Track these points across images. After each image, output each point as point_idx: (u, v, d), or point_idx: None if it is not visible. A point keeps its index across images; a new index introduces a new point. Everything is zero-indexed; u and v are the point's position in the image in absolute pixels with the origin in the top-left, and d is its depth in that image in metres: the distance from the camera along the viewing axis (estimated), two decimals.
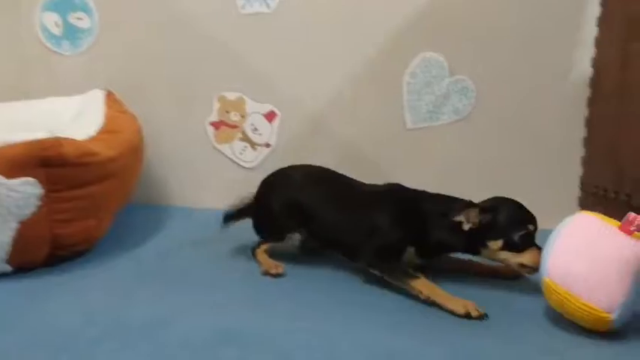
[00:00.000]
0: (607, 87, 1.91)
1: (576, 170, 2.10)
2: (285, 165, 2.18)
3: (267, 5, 2.12)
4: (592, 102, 2.01)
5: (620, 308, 1.09)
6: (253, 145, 2.21)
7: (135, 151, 1.75)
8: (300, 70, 2.15)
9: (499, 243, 1.35)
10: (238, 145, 2.21)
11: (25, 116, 1.97)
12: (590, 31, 2.04)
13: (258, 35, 2.14)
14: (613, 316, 1.10)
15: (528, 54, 2.09)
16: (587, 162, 2.03)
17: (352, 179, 1.69)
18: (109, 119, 1.77)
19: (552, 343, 1.14)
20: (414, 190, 1.56)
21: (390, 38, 2.11)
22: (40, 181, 1.35)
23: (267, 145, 2.21)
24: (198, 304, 1.27)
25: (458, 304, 1.24)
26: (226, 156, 2.22)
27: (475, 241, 1.38)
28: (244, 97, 2.18)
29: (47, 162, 1.36)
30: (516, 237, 1.34)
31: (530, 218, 1.39)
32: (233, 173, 2.22)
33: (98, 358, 1.01)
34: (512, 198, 1.46)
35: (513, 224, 1.36)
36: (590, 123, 2.03)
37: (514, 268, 1.38)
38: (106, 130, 1.68)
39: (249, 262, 1.60)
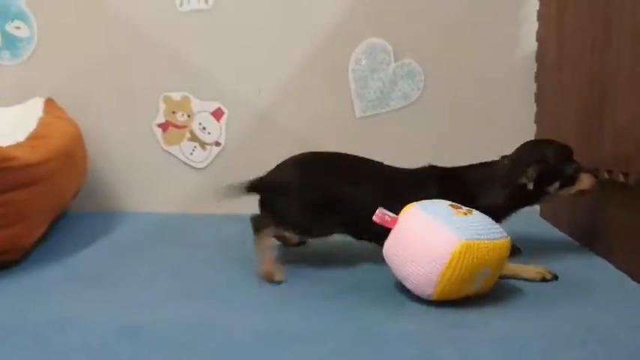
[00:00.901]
0: (548, 60, 1.87)
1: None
2: (237, 163, 2.16)
3: (206, 1, 2.08)
4: (538, 77, 1.97)
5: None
6: (203, 144, 2.17)
7: (67, 156, 1.70)
8: (244, 65, 2.11)
9: (557, 185, 1.42)
10: (188, 145, 2.17)
11: None
12: (534, 5, 2.01)
13: (199, 32, 2.11)
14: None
15: (474, 33, 2.05)
16: (539, 137, 1.98)
17: (379, 163, 1.56)
18: (42, 125, 1.73)
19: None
20: (449, 167, 1.53)
21: (332, 26, 2.07)
22: None
23: (217, 144, 2.16)
24: (110, 302, 1.22)
25: (531, 272, 1.31)
26: (176, 157, 2.18)
27: (533, 193, 1.40)
28: (189, 96, 2.14)
29: None
30: (570, 172, 1.41)
31: (569, 148, 1.44)
32: (184, 175, 2.18)
33: None
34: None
35: (562, 162, 1.42)
36: (539, 99, 1.98)
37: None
38: (35, 136, 1.64)
39: (187, 260, 1.56)
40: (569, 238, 1.70)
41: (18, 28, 2.12)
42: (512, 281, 1.30)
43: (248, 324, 1.10)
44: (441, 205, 1.22)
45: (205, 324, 1.10)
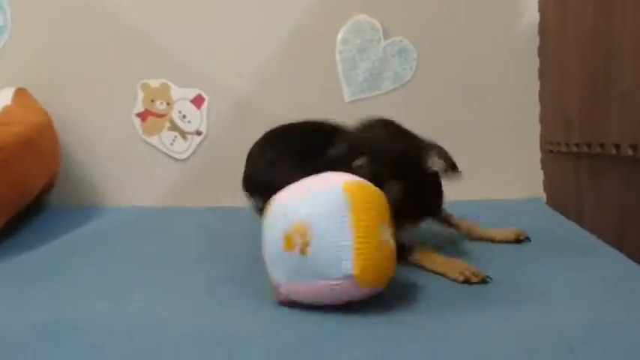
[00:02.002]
0: (550, 30, 1.69)
1: (535, 129, 1.87)
2: (219, 153, 2.02)
3: None
4: (542, 51, 1.79)
5: None
6: (183, 134, 2.05)
7: (28, 145, 1.59)
8: (223, 48, 1.99)
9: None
10: (168, 135, 2.05)
11: None
12: None
13: (175, 16, 1.99)
14: None
15: (471, 5, 1.89)
16: (543, 118, 1.80)
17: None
18: (4, 113, 1.64)
19: None
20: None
21: (316, 4, 1.93)
22: None
23: (198, 133, 2.04)
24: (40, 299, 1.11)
25: (455, 271, 1.08)
26: (156, 148, 2.06)
27: None
28: (168, 82, 2.03)
29: None
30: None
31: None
32: (165, 166, 2.06)
33: None
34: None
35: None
36: (542, 74, 1.80)
37: None
38: None
39: (151, 254, 1.44)
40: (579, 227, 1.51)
41: None
42: None
43: (182, 323, 0.96)
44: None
45: (135, 321, 0.97)
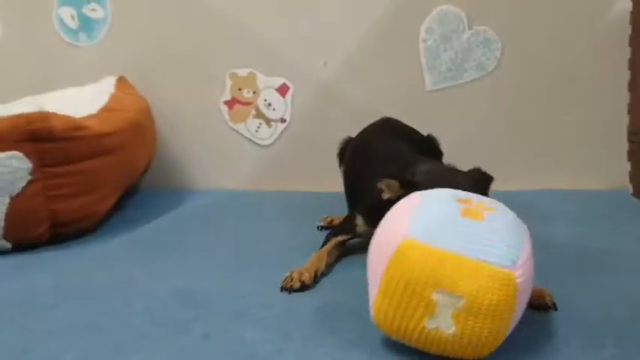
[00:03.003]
0: None
1: (623, 120, 1.85)
2: (302, 140, 2.11)
3: None
4: (634, 40, 1.77)
5: None
6: (268, 121, 2.14)
7: (137, 128, 1.73)
8: (309, 38, 2.06)
9: None
10: (253, 122, 2.15)
11: (47, 107, 2.02)
12: None
13: (264, 7, 2.07)
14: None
15: None
16: (633, 109, 1.79)
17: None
18: (113, 100, 1.77)
19: None
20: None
21: None
22: (28, 155, 1.36)
23: (283, 121, 2.13)
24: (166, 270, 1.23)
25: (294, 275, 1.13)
26: (242, 135, 2.17)
27: None
28: (255, 72, 2.12)
29: (34, 136, 1.36)
30: None
31: None
32: (250, 152, 2.16)
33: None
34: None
35: None
36: (634, 64, 1.78)
37: None
38: (107, 109, 1.68)
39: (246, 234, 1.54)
40: None
41: (94, 10, 2.19)
42: None
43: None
44: (446, 197, 0.87)
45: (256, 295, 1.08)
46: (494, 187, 1.89)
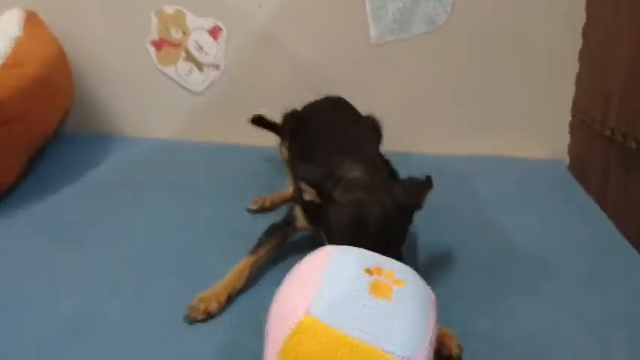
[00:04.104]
0: None
1: (569, 89, 1.78)
2: (237, 87, 1.95)
3: None
4: (591, 5, 1.63)
5: None
6: (200, 66, 1.96)
7: (43, 86, 1.54)
8: None
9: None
10: (184, 66, 1.97)
11: None
12: None
13: None
14: None
15: None
16: (580, 81, 1.70)
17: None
18: (17, 47, 1.55)
19: None
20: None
21: None
22: None
23: (216, 66, 1.96)
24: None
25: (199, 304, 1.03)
26: (172, 79, 1.99)
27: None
28: (184, 10, 1.90)
29: None
30: None
31: None
32: (181, 99, 2.00)
33: None
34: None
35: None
36: (586, 32, 1.67)
37: None
38: (5, 65, 1.48)
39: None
40: None
41: None
42: None
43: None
44: (356, 265, 0.78)
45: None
46: (430, 149, 1.88)
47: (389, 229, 0.96)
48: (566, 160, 1.81)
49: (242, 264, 1.10)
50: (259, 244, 1.15)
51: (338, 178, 1.04)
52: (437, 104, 1.89)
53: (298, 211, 1.17)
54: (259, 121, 1.67)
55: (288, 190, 1.51)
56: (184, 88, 1.99)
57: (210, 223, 1.38)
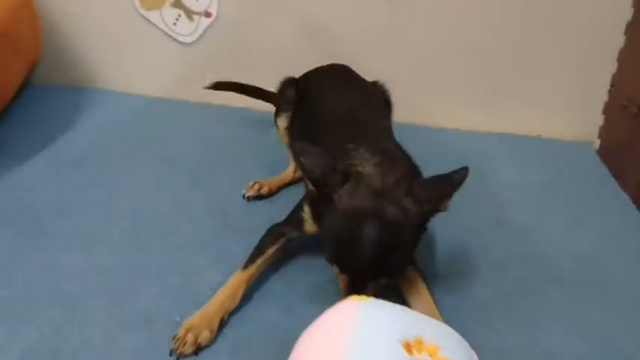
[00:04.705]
0: None
1: (609, 66, 1.57)
2: (231, 38, 1.70)
3: None
4: None
5: None
6: (189, 13, 1.70)
7: (5, 38, 1.30)
8: None
9: None
10: (170, 12, 1.70)
11: None
12: None
13: None
14: None
15: None
16: (624, 55, 1.50)
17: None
18: None
19: None
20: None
21: None
22: None
23: (207, 15, 1.70)
24: None
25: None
26: (156, 26, 1.73)
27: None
28: None
29: None
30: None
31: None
32: (167, 50, 1.76)
33: None
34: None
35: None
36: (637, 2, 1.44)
37: None
38: None
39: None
40: None
41: None
42: None
43: None
44: (390, 331, 0.60)
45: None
46: (438, 122, 1.68)
47: (390, 249, 0.81)
48: (595, 143, 1.64)
49: (235, 280, 0.93)
50: (256, 254, 0.97)
51: (347, 171, 0.86)
52: (457, 72, 1.67)
53: (307, 212, 0.98)
54: (225, 86, 1.48)
55: (289, 171, 1.33)
56: (171, 37, 1.74)
57: (199, 214, 1.19)
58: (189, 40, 1.74)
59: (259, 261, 0.96)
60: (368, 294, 0.74)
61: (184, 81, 1.77)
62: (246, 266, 0.95)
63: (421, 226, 0.86)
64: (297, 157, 0.87)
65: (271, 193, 1.28)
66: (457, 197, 0.85)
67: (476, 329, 0.90)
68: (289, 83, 1.30)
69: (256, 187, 1.26)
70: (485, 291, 1.02)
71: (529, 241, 1.18)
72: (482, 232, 1.18)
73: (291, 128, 1.26)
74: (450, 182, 0.84)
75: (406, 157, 0.97)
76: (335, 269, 0.87)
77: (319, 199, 0.87)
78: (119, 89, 1.78)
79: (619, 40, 1.52)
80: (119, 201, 1.22)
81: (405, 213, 0.82)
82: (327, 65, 1.33)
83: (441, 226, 1.10)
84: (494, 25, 1.60)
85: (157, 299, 0.94)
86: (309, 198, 0.97)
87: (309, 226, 0.98)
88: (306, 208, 0.98)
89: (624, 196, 1.38)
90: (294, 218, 1.01)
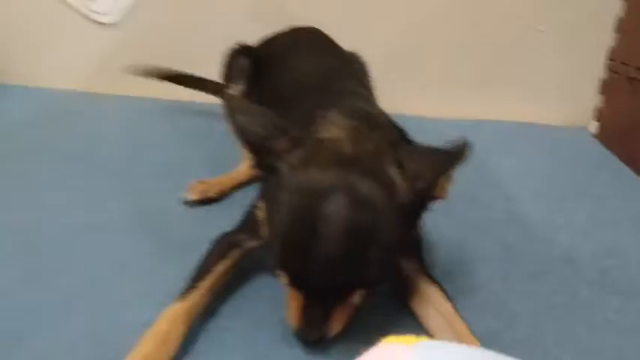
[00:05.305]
0: None
1: (606, 38, 1.39)
2: (160, 17, 1.39)
3: None
4: None
5: None
6: None
7: None
8: None
9: None
10: None
11: None
12: None
13: None
14: None
15: None
16: (624, 26, 1.32)
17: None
18: None
19: None
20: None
21: None
22: None
23: None
24: None
25: None
26: (70, 5, 1.41)
27: None
28: None
29: None
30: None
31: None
32: (84, 33, 1.44)
33: None
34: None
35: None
36: None
37: None
38: None
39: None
40: None
41: None
42: None
43: None
44: None
45: None
46: (423, 111, 1.45)
47: (365, 242, 0.55)
48: (591, 126, 1.44)
49: (168, 318, 0.61)
50: (199, 276, 0.67)
51: (301, 136, 0.61)
52: (445, 41, 1.44)
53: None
54: (155, 73, 1.22)
55: (242, 169, 1.04)
56: (87, 17, 1.42)
57: (123, 226, 0.87)
58: (109, 19, 1.43)
59: (204, 285, 0.66)
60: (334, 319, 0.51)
61: (105, 70, 1.45)
62: (184, 295, 0.64)
63: (411, 211, 0.60)
64: (230, 115, 0.61)
65: (221, 196, 0.98)
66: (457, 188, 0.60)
67: None
68: (241, 51, 1.03)
69: (201, 187, 0.96)
70: (523, 307, 0.76)
71: (553, 239, 0.94)
72: (495, 231, 0.94)
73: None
74: (449, 156, 0.58)
75: (394, 126, 0.70)
76: (283, 280, 0.60)
77: (263, 179, 0.64)
78: (26, 83, 1.44)
79: (615, 8, 1.34)
80: (16, 214, 0.89)
81: (387, 189, 0.56)
82: (293, 28, 1.06)
83: (445, 224, 0.85)
84: (477, 6, 1.39)
85: (48, 350, 0.62)
86: (264, 191, 0.69)
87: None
88: (263, 205, 0.69)
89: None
90: (248, 222, 0.73)
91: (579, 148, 1.36)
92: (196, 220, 0.91)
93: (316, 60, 0.93)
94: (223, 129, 1.02)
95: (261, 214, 0.68)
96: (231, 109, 0.62)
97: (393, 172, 0.57)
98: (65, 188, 0.97)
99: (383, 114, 0.73)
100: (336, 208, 0.54)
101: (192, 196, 0.95)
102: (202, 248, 0.71)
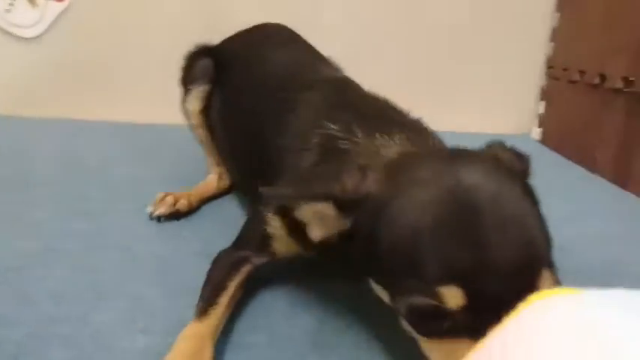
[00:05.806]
0: None
1: (542, 46, 1.47)
2: (89, 29, 1.26)
3: None
4: None
5: None
6: None
7: None
8: None
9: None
10: None
11: None
12: None
13: None
14: None
15: None
16: (557, 35, 1.40)
17: None
18: None
19: None
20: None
21: None
22: None
23: None
24: None
25: None
26: None
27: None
28: None
29: None
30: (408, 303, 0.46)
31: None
32: (4, 50, 1.27)
33: None
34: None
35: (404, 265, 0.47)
36: None
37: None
38: None
39: None
40: None
41: None
42: None
43: None
44: None
45: None
46: None
47: (532, 210, 0.48)
48: (534, 133, 1.50)
49: (193, 338, 0.52)
50: (214, 295, 0.57)
51: (360, 163, 0.53)
52: (398, 53, 1.45)
53: (278, 225, 0.60)
54: None
55: (211, 181, 0.94)
56: (8, 32, 1.26)
57: (79, 250, 0.73)
58: (33, 33, 1.28)
59: (222, 302, 0.57)
60: None
61: (30, 91, 1.28)
62: (204, 313, 0.54)
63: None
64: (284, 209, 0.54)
65: (191, 209, 0.87)
66: None
67: None
68: (201, 52, 0.94)
69: (169, 200, 0.84)
70: None
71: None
72: None
73: (209, 111, 0.90)
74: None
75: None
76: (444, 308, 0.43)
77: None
78: None
79: (549, 21, 1.42)
80: None
81: (510, 170, 0.52)
82: (257, 26, 0.99)
83: None
84: (416, 25, 1.42)
85: None
86: (273, 206, 0.59)
87: (282, 245, 0.61)
88: (275, 221, 0.60)
89: (598, 178, 1.22)
90: (255, 237, 0.64)
91: (530, 154, 1.40)
92: (168, 236, 0.79)
93: (290, 52, 0.87)
94: (171, 146, 0.93)
95: (273, 228, 0.60)
96: (270, 200, 0.56)
97: (505, 157, 0.55)
98: (17, 230, 0.81)
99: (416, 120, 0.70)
100: (489, 193, 0.46)
101: (160, 210, 0.83)
102: (181, 269, 0.64)
